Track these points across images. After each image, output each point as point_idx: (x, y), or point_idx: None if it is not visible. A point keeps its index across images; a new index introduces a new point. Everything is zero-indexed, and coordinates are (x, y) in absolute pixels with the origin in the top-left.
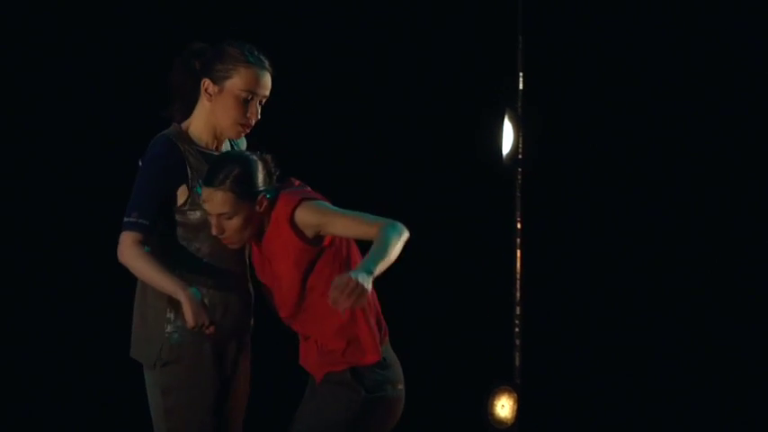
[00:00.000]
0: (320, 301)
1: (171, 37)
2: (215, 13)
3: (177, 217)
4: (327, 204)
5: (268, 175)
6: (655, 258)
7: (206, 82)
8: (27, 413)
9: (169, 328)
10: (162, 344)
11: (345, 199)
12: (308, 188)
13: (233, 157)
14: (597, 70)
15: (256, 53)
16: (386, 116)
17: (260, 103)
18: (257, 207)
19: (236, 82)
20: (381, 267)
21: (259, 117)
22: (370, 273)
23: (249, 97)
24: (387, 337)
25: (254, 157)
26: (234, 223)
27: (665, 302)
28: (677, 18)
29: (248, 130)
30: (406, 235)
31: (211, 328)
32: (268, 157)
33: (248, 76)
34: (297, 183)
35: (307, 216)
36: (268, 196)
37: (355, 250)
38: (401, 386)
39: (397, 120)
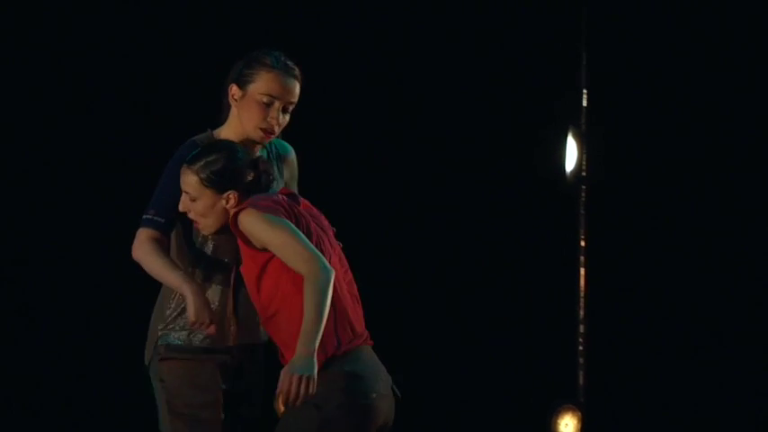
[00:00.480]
0: (280, 308)
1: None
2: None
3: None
4: (276, 221)
5: (256, 178)
6: (722, 276)
7: (233, 87)
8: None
9: (164, 327)
10: (157, 341)
11: (407, 216)
12: (288, 205)
13: (220, 147)
14: (661, 87)
15: (283, 59)
16: (449, 133)
17: (285, 110)
18: (224, 201)
19: (257, 86)
20: (318, 338)
21: (285, 123)
22: (310, 355)
23: (270, 102)
24: (362, 344)
25: (243, 156)
26: (196, 206)
27: (733, 321)
28: (741, 35)
29: (272, 136)
30: (329, 287)
31: (212, 328)
32: (265, 163)
33: (270, 81)
34: (305, 204)
35: (247, 224)
36: (238, 194)
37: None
38: (373, 395)
39: (460, 136)
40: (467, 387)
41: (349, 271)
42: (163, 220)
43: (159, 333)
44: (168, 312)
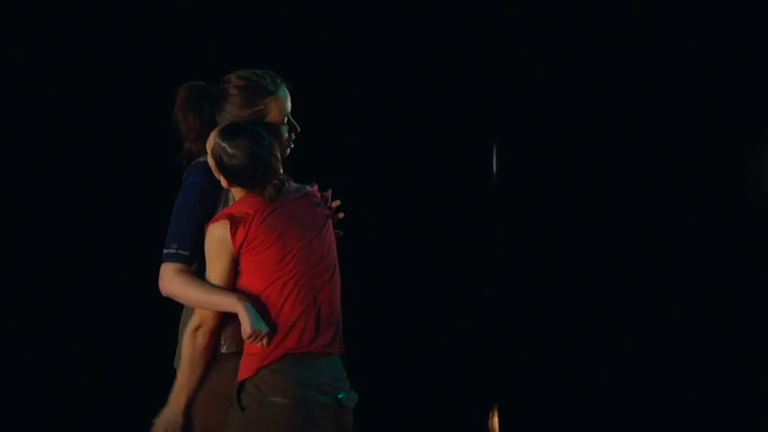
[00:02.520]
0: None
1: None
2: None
3: None
4: (214, 256)
5: (249, 176)
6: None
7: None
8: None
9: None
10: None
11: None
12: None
13: (241, 143)
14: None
15: (269, 79)
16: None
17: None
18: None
19: (274, 116)
20: (187, 391)
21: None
22: (179, 409)
23: (286, 120)
24: (316, 351)
25: (251, 152)
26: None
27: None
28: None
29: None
30: (201, 352)
31: (265, 340)
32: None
33: (280, 104)
34: (315, 189)
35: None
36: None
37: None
38: (306, 402)
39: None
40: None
41: (332, 270)
42: (187, 253)
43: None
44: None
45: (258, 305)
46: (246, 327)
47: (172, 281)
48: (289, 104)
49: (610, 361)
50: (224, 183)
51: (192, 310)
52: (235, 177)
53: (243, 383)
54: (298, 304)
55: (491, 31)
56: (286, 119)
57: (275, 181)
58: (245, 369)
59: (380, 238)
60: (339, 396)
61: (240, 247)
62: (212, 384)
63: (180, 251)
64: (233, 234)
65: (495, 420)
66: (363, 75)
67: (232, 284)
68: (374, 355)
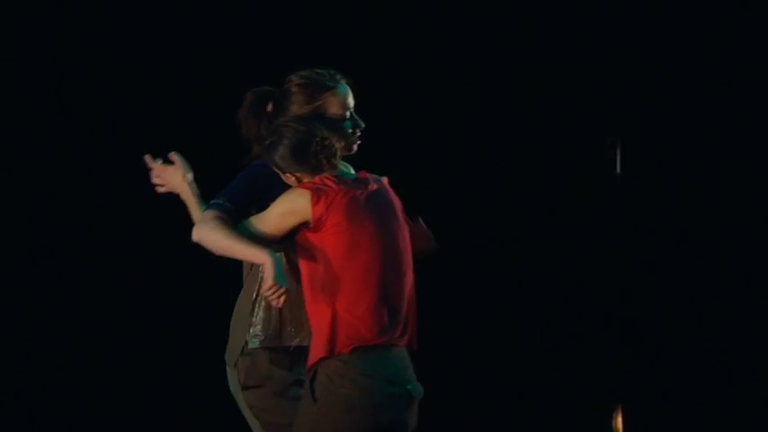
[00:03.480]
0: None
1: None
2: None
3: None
4: (295, 208)
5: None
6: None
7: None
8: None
9: (251, 331)
10: (243, 346)
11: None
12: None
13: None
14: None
15: (327, 75)
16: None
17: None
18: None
19: (334, 110)
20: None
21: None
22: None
23: (348, 114)
24: (387, 344)
25: (293, 138)
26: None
27: None
28: None
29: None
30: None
31: (284, 297)
32: (318, 143)
33: (339, 99)
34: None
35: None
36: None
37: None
38: (379, 395)
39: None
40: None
41: (407, 264)
42: (231, 207)
43: (247, 338)
44: (253, 319)
45: (328, 290)
46: (269, 278)
47: (205, 224)
48: (350, 100)
49: (736, 361)
50: (290, 179)
51: (245, 304)
52: (293, 161)
53: (315, 374)
54: (369, 296)
55: (614, 26)
56: (348, 113)
57: (332, 154)
58: (320, 351)
59: (504, 238)
60: (408, 387)
61: (318, 220)
62: (276, 380)
63: (225, 203)
64: (314, 204)
65: (619, 420)
66: (485, 72)
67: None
68: (499, 353)
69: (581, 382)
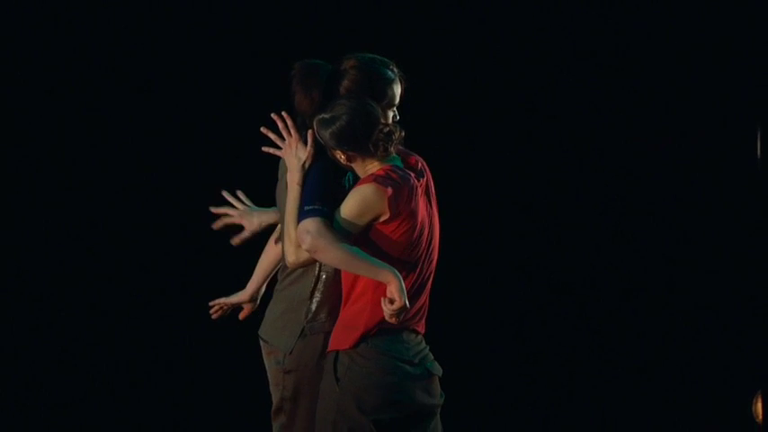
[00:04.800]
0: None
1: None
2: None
3: None
4: (371, 202)
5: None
6: None
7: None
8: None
9: (308, 321)
10: (297, 336)
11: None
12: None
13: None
14: None
15: (386, 64)
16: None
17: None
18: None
19: (383, 101)
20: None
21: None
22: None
23: (394, 108)
24: (404, 328)
25: (348, 119)
26: None
27: None
28: None
29: None
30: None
31: (403, 315)
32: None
33: (392, 90)
34: (413, 160)
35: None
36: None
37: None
38: (397, 374)
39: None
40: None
41: (436, 253)
42: (328, 210)
43: (303, 325)
44: (310, 307)
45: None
46: (399, 301)
47: (322, 235)
48: (399, 94)
49: None
50: (343, 159)
51: (301, 292)
52: (350, 141)
53: (337, 355)
54: (412, 284)
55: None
56: (395, 108)
57: (391, 142)
58: (340, 341)
59: (642, 224)
60: (428, 365)
61: (392, 217)
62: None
63: (324, 207)
64: (389, 201)
65: (759, 406)
66: (612, 62)
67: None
68: (638, 337)
69: (720, 367)
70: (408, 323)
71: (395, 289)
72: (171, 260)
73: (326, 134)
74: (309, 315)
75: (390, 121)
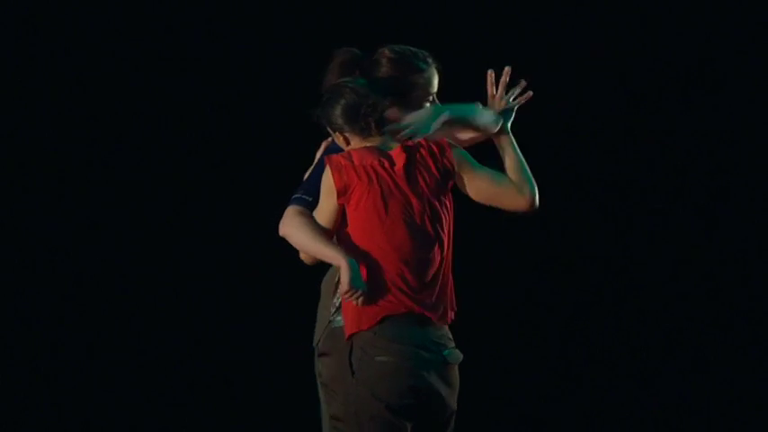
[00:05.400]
0: None
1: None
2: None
3: None
4: (326, 184)
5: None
6: None
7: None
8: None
9: (332, 311)
10: (325, 327)
11: None
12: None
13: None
14: None
15: (421, 56)
16: None
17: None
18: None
19: (418, 92)
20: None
21: None
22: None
23: (430, 98)
24: (411, 309)
25: (342, 99)
26: None
27: None
28: None
29: None
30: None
31: (361, 299)
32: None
33: (426, 82)
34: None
35: None
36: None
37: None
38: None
39: None
40: None
41: (432, 232)
42: (310, 199)
43: (330, 318)
44: (334, 300)
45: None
46: (345, 282)
47: (291, 220)
48: (435, 84)
49: None
50: (342, 141)
51: (327, 287)
52: (344, 120)
53: (351, 349)
54: (392, 270)
55: None
56: (431, 98)
57: (380, 118)
58: (350, 326)
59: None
60: (444, 353)
61: (341, 194)
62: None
63: (304, 196)
64: (336, 180)
65: None
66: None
67: (333, 226)
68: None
69: None
70: (416, 309)
71: (342, 272)
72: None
73: (326, 117)
74: (333, 309)
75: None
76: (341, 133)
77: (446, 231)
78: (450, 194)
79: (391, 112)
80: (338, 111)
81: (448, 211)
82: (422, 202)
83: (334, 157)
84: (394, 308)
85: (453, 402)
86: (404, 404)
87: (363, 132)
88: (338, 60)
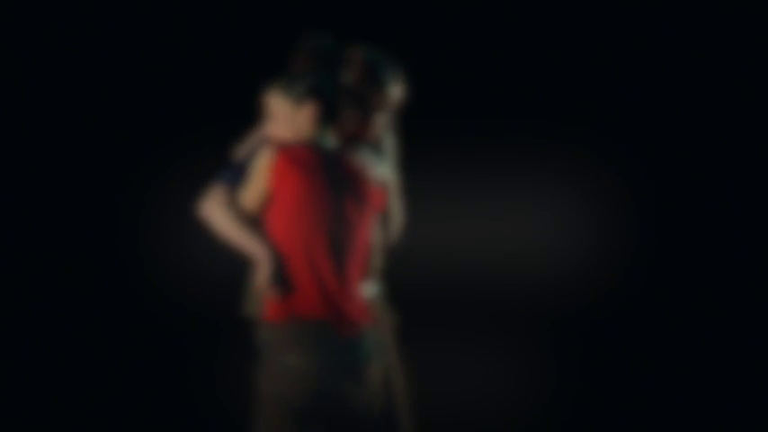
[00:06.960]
0: None
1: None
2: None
3: None
4: (261, 167)
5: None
6: None
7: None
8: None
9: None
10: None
11: None
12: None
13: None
14: None
15: (392, 67)
16: None
17: None
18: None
19: (378, 105)
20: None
21: None
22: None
23: (388, 113)
24: (322, 315)
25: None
26: None
27: None
28: None
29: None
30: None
31: (277, 295)
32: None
33: (384, 97)
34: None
35: None
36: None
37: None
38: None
39: None
40: None
41: (358, 238)
42: (236, 182)
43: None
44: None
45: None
46: (262, 280)
47: (211, 200)
48: (398, 98)
49: None
50: (306, 121)
51: None
52: (312, 93)
53: (260, 336)
54: (305, 272)
55: None
56: (387, 110)
57: (330, 111)
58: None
59: None
60: (354, 360)
61: (275, 180)
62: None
63: (230, 172)
64: (273, 163)
65: None
66: None
67: (256, 209)
68: None
69: None
70: (325, 316)
71: (261, 268)
72: None
73: (292, 87)
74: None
75: (380, 126)
76: (298, 101)
77: (364, 240)
78: (371, 205)
79: (347, 114)
80: (298, 85)
81: (369, 221)
82: (353, 207)
83: (275, 143)
84: (302, 311)
85: (373, 399)
86: (309, 407)
87: (298, 102)
88: (310, 46)
